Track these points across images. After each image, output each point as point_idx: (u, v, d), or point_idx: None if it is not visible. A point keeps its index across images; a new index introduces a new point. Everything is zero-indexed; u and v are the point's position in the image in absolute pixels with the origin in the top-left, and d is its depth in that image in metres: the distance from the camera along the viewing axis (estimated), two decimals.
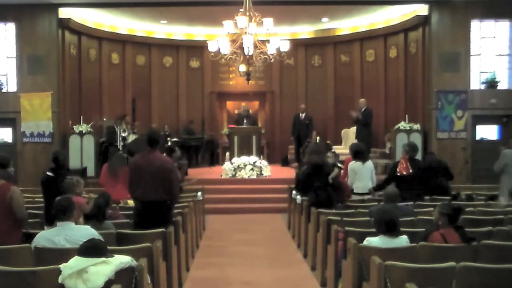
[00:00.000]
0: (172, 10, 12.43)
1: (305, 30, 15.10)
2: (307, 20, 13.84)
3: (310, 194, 6.77)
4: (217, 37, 12.05)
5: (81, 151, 11.62)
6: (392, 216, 4.24)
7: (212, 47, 10.20)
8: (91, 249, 3.46)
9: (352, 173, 7.25)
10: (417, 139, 11.26)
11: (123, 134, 11.30)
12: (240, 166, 11.94)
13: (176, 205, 6.00)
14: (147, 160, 5.22)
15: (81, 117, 12.04)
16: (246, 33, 9.73)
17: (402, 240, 4.23)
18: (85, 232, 4.06)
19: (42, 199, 6.24)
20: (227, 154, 13.35)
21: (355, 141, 11.28)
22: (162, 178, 5.15)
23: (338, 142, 14.07)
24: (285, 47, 10.33)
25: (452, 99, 11.51)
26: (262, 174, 11.96)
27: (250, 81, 11.62)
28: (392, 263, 3.62)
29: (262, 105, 16.22)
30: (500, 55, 11.91)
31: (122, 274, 3.48)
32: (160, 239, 4.59)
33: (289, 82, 15.66)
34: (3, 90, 11.81)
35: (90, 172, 11.38)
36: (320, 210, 6.21)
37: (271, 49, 10.17)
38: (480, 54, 11.85)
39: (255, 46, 9.93)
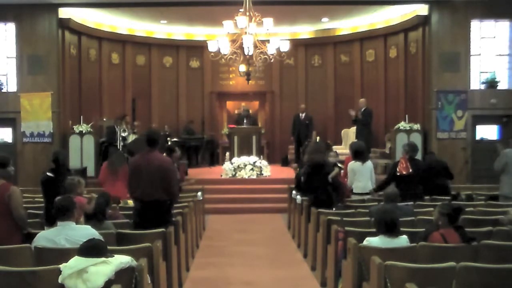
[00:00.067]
0: (172, 10, 12.43)
1: (305, 30, 15.10)
2: (307, 20, 13.84)
3: (309, 194, 6.77)
4: (217, 37, 12.06)
5: (81, 151, 11.62)
6: (392, 216, 4.24)
7: (212, 47, 10.20)
8: (91, 249, 3.46)
9: (352, 173, 7.25)
10: (417, 139, 11.26)
11: (123, 134, 11.30)
12: (240, 166, 11.95)
13: (176, 205, 6.01)
14: (146, 160, 5.22)
15: (81, 117, 12.04)
16: (246, 33, 9.73)
17: (402, 240, 4.23)
18: (86, 232, 4.06)
19: (42, 199, 6.25)
20: (227, 154, 13.36)
21: (355, 140, 11.28)
22: (161, 178, 5.15)
23: (338, 142, 14.08)
24: (285, 47, 10.33)
25: (452, 99, 11.51)
26: (262, 174, 11.97)
27: (250, 81, 11.63)
28: (392, 263, 3.62)
29: (262, 105, 16.22)
30: (500, 55, 11.90)
31: (122, 274, 3.47)
32: (160, 239, 4.59)
33: (289, 82, 15.67)
34: (3, 90, 11.81)
35: (90, 172, 11.37)
36: (320, 210, 6.21)
37: (271, 49, 10.17)
38: (480, 54, 11.85)
39: (255, 46, 9.93)
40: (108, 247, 3.66)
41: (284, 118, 15.12)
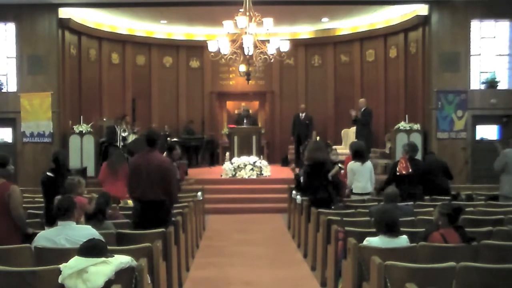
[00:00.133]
0: (172, 10, 12.43)
1: (305, 30, 15.10)
2: (307, 20, 13.84)
3: (309, 193, 6.77)
4: (217, 37, 12.07)
5: (81, 151, 11.61)
6: (392, 216, 4.24)
7: (212, 47, 10.20)
8: (91, 249, 3.46)
9: (351, 173, 7.24)
10: (417, 139, 11.26)
11: (123, 134, 11.31)
12: (240, 166, 11.95)
13: (176, 205, 6.01)
14: (146, 160, 5.22)
15: (81, 117, 12.04)
16: (246, 33, 9.73)
17: (402, 240, 4.23)
18: (86, 232, 4.06)
19: (42, 199, 6.25)
20: (227, 154, 13.36)
21: (355, 140, 11.27)
22: (161, 178, 5.16)
23: (338, 142, 14.07)
24: (285, 47, 10.33)
25: (452, 99, 11.51)
26: (262, 174, 11.97)
27: (250, 81, 11.63)
28: (392, 263, 3.62)
29: (262, 105, 16.22)
30: (500, 55, 11.90)
31: (122, 274, 3.47)
32: (160, 239, 4.60)
33: (289, 82, 15.67)
34: (3, 90, 11.81)
35: (90, 172, 11.37)
36: (320, 210, 6.21)
37: (271, 49, 10.17)
38: (480, 54, 11.85)
39: (255, 46, 9.94)
40: (108, 247, 3.66)
41: (284, 118, 15.12)
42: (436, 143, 11.52)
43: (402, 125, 11.79)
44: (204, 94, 15.70)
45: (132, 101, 14.57)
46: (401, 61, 13.34)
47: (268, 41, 10.26)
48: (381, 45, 14.00)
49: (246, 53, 9.87)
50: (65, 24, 11.99)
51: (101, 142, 11.85)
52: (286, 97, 15.65)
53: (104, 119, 13.04)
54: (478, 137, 11.79)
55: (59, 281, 3.36)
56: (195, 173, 12.57)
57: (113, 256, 3.52)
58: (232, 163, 12.08)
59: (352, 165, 7.24)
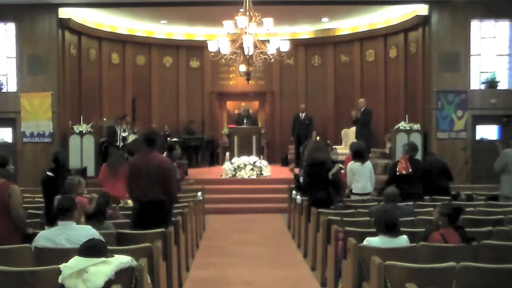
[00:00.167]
0: (172, 10, 12.43)
1: (305, 30, 15.10)
2: (307, 20, 13.84)
3: (309, 193, 6.77)
4: (217, 37, 12.07)
5: (81, 151, 11.61)
6: (392, 216, 4.24)
7: (212, 47, 10.20)
8: (91, 249, 3.46)
9: (351, 173, 7.23)
10: (417, 139, 11.26)
11: (123, 134, 11.31)
12: (240, 166, 11.95)
13: (176, 205, 6.01)
14: (145, 160, 5.22)
15: (81, 117, 12.04)
16: (246, 33, 9.73)
17: (402, 240, 4.23)
18: (86, 232, 4.05)
19: (42, 199, 6.25)
20: (227, 154, 13.36)
21: (355, 140, 11.28)
22: (160, 178, 5.15)
23: (338, 142, 14.07)
24: (285, 47, 10.33)
25: (452, 99, 11.51)
26: (262, 174, 11.97)
27: (250, 81, 11.63)
28: (392, 263, 3.62)
29: (262, 105, 16.22)
30: (500, 55, 11.90)
31: (122, 274, 3.47)
32: (160, 239, 4.59)
33: (289, 82, 15.67)
34: (3, 90, 11.81)
35: (90, 172, 11.37)
36: (320, 210, 6.21)
37: (271, 49, 10.17)
38: (480, 54, 11.85)
39: (255, 46, 9.93)
40: (108, 247, 3.66)
41: (284, 118, 15.12)
42: (436, 143, 11.52)
43: (402, 125, 11.79)
44: (204, 94, 15.70)
45: (132, 101, 14.57)
46: (401, 61, 13.34)
47: (268, 41, 10.26)
48: (381, 45, 14.00)
49: (246, 53, 9.87)
50: (65, 24, 11.99)
51: (101, 142, 11.86)
52: (286, 97, 15.65)
53: (104, 119, 13.04)
54: (478, 137, 11.80)
55: (59, 281, 3.36)
56: (195, 173, 12.57)
57: (113, 256, 3.52)
58: (232, 163, 12.08)
59: (352, 165, 7.24)
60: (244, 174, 11.85)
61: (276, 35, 11.49)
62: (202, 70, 15.63)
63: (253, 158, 12.16)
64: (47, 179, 5.87)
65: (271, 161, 13.85)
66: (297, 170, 7.95)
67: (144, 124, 13.45)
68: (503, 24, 11.87)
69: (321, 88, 15.36)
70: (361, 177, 7.19)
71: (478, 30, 11.83)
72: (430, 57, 11.67)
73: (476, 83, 11.83)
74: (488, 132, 11.86)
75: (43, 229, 4.89)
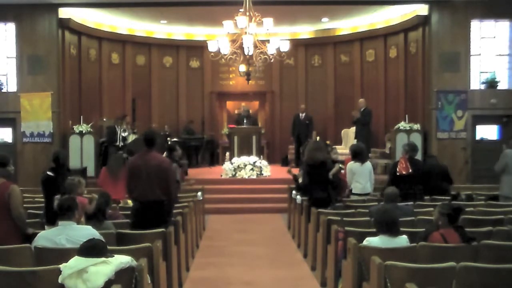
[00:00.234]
0: (172, 10, 12.42)
1: (305, 30, 15.10)
2: (307, 20, 13.84)
3: (309, 194, 6.77)
4: (217, 37, 12.07)
5: (81, 151, 11.62)
6: (392, 215, 4.25)
7: (212, 47, 10.20)
8: (91, 249, 3.46)
9: (350, 174, 7.24)
10: (417, 139, 11.26)
11: (123, 134, 11.31)
12: (240, 166, 11.95)
13: (176, 205, 6.01)
14: (145, 160, 5.22)
15: (81, 117, 12.05)
16: (246, 33, 9.73)
17: (402, 240, 4.23)
18: (86, 232, 4.05)
19: (42, 199, 6.25)
20: (227, 154, 13.36)
21: (355, 141, 11.28)
22: (160, 178, 5.16)
23: (338, 142, 14.07)
24: (285, 47, 10.33)
25: (452, 99, 11.51)
26: (262, 174, 11.97)
27: (250, 81, 11.63)
28: (392, 263, 3.62)
29: (262, 105, 16.22)
30: (500, 55, 11.90)
31: (122, 274, 3.48)
32: (160, 239, 4.60)
33: (289, 82, 15.66)
34: (3, 90, 11.80)
35: (90, 172, 11.38)
36: (320, 210, 6.21)
37: (271, 49, 10.17)
38: (480, 54, 11.85)
39: (255, 46, 9.93)
40: (108, 247, 3.66)
41: (284, 118, 15.12)
42: (436, 143, 11.52)
43: (402, 125, 11.79)
44: (204, 94, 15.70)
45: (132, 101, 14.57)
46: (401, 61, 13.34)
47: (268, 41, 10.26)
48: (381, 45, 14.00)
49: (246, 53, 9.87)
50: (65, 24, 11.99)
51: (101, 142, 11.87)
52: (286, 97, 15.65)
53: (104, 119, 13.03)
54: (478, 137, 11.79)
55: (59, 281, 3.36)
56: (195, 173, 12.57)
57: (113, 256, 3.52)
58: (232, 163, 12.08)
59: (352, 165, 7.24)
60: (244, 174, 11.85)
61: (276, 35, 11.48)
62: (202, 70, 15.62)
63: (253, 158, 12.16)
64: (47, 179, 5.87)
65: (271, 161, 13.85)
66: (295, 171, 7.92)
67: (144, 124, 13.46)
68: (503, 24, 11.86)
69: (321, 88, 15.35)
70: (361, 177, 7.19)
71: (478, 30, 11.83)
72: (430, 57, 11.67)
73: (476, 83, 11.82)
74: (488, 132, 11.86)
75: (43, 229, 4.90)
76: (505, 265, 3.49)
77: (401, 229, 4.35)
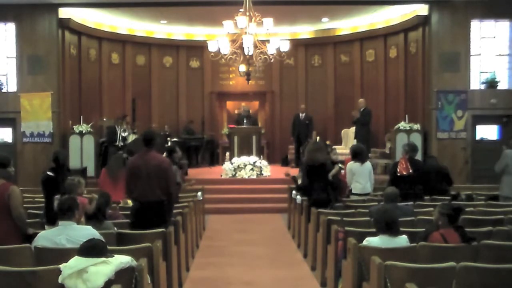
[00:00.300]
0: (172, 10, 12.43)
1: (305, 30, 15.10)
2: (307, 20, 13.84)
3: (309, 195, 6.77)
4: (217, 37, 12.07)
5: (81, 151, 11.62)
6: (392, 215, 4.25)
7: (212, 47, 10.20)
8: (91, 249, 3.46)
9: (350, 174, 7.24)
10: (417, 139, 11.26)
11: (123, 134, 11.31)
12: (240, 166, 11.94)
13: (176, 205, 6.01)
14: (144, 160, 5.22)
15: (81, 117, 12.05)
16: (246, 33, 9.73)
17: (402, 240, 4.23)
18: (87, 232, 4.05)
19: (42, 199, 6.25)
20: (227, 154, 13.36)
21: (355, 141, 11.28)
22: (159, 178, 5.15)
23: (338, 142, 14.07)
24: (285, 47, 10.33)
25: (452, 99, 11.51)
26: (262, 174, 11.97)
27: (250, 81, 11.63)
28: (392, 263, 3.62)
29: (262, 105, 16.22)
30: (500, 55, 11.90)
31: (122, 274, 3.48)
32: (160, 239, 4.60)
33: (289, 82, 15.66)
34: (3, 90, 11.80)
35: (90, 172, 11.38)
36: (320, 210, 6.21)
37: (271, 49, 10.17)
38: (480, 54, 11.85)
39: (255, 46, 9.93)
40: (108, 247, 3.66)
41: (284, 118, 15.12)
42: (436, 143, 11.52)
43: (402, 125, 11.79)
44: (204, 94, 15.70)
45: (132, 101, 14.57)
46: (401, 61, 13.34)
47: (268, 41, 10.26)
48: (381, 45, 14.00)
49: (246, 53, 9.87)
50: (65, 24, 11.99)
51: (101, 142, 11.87)
52: (286, 97, 15.65)
53: (104, 119, 13.04)
54: (478, 137, 11.79)
55: (59, 281, 3.36)
56: (195, 173, 12.57)
57: (113, 256, 3.52)
58: (232, 163, 12.08)
59: (352, 165, 7.24)
60: (244, 174, 11.85)
61: (276, 35, 11.49)
62: (202, 70, 15.63)
63: (253, 158, 12.16)
64: (47, 179, 5.88)
65: (271, 161, 13.84)
66: (293, 172, 7.92)
67: (144, 124, 13.46)
68: (503, 24, 11.86)
69: (321, 88, 15.35)
70: (361, 177, 7.19)
71: (478, 30, 11.83)
72: (430, 57, 11.67)
73: (476, 83, 11.82)
74: (488, 132, 11.86)
75: (43, 229, 4.90)
76: (505, 265, 3.49)
77: (401, 229, 4.36)
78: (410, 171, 6.88)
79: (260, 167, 12.00)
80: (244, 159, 12.10)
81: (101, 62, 13.98)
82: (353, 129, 12.74)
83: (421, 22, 12.02)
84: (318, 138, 13.01)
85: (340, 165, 7.57)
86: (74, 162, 11.25)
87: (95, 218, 4.90)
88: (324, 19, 13.80)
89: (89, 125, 11.87)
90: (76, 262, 3.39)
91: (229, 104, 16.36)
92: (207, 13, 12.39)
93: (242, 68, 11.50)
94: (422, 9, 11.91)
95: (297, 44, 14.64)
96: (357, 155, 7.25)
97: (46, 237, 4.07)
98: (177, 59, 15.52)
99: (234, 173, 11.89)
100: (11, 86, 11.83)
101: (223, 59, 10.31)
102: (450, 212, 4.21)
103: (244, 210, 10.39)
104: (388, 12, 12.90)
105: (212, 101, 15.77)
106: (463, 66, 11.60)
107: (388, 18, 13.33)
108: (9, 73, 11.87)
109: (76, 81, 12.92)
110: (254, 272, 6.33)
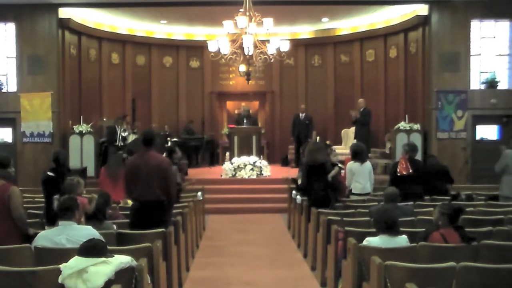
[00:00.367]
0: (172, 10, 12.43)
1: (305, 30, 15.10)
2: (307, 20, 13.84)
3: (308, 195, 6.77)
4: (217, 37, 12.07)
5: (81, 151, 11.62)
6: (392, 215, 4.25)
7: (212, 47, 10.20)
8: (91, 249, 3.46)
9: (350, 174, 7.23)
10: (417, 139, 11.26)
11: (123, 134, 11.31)
12: (240, 166, 11.95)
13: (176, 205, 6.01)
14: (144, 160, 5.22)
15: (81, 117, 12.05)
16: (246, 33, 9.73)
17: (402, 240, 4.23)
18: (87, 232, 4.05)
19: (42, 199, 6.26)
20: (227, 154, 13.36)
21: (355, 141, 11.28)
22: (159, 178, 5.15)
23: (338, 142, 14.07)
24: (285, 47, 10.33)
25: (452, 99, 11.51)
26: (262, 174, 11.97)
27: (250, 81, 11.63)
28: (392, 263, 3.62)
29: (262, 105, 16.22)
30: (500, 55, 11.90)
31: (122, 274, 3.48)
32: (160, 239, 4.59)
33: (289, 82, 15.67)
34: (3, 90, 11.80)
35: (90, 172, 11.39)
36: (320, 210, 6.21)
37: (271, 49, 10.17)
38: (480, 54, 11.85)
39: (255, 46, 9.93)
40: (108, 247, 3.66)
41: (284, 118, 15.12)
42: (436, 143, 11.52)
43: (402, 125, 11.79)
44: (204, 94, 15.70)
45: (132, 101, 14.58)
46: (401, 61, 13.34)
47: (268, 41, 10.26)
48: (381, 45, 14.00)
49: (246, 53, 9.87)
50: (65, 24, 11.99)
51: (101, 142, 11.87)
52: (286, 97, 15.65)
53: (104, 119, 13.04)
54: (478, 137, 11.79)
55: (59, 281, 3.36)
56: (195, 173, 12.57)
57: (113, 256, 3.52)
58: (232, 163, 12.08)
59: (351, 165, 7.24)
60: (244, 174, 11.85)
61: (276, 35, 11.49)
62: (202, 70, 15.63)
63: (253, 158, 12.16)
64: (48, 179, 5.88)
65: (271, 161, 13.85)
66: (293, 172, 7.93)
67: (144, 124, 13.46)
68: (503, 24, 11.86)
69: (321, 88, 15.35)
70: (361, 177, 7.19)
71: (478, 30, 11.83)
72: (430, 57, 11.67)
73: (476, 83, 11.82)
74: (488, 132, 11.86)
75: (43, 229, 4.90)
76: (505, 265, 3.49)
77: (401, 229, 4.36)
78: (410, 171, 6.88)
79: (260, 167, 12.00)
80: (244, 159, 12.10)
81: (101, 62, 13.98)
82: (353, 129, 12.74)
83: (421, 22, 12.02)
84: (318, 138, 13.02)
85: (340, 165, 7.56)
86: (74, 162, 11.25)
87: (95, 218, 4.90)
88: (324, 19, 13.80)
89: (89, 125, 11.87)
90: (76, 262, 3.39)
91: (229, 104, 16.37)
92: (207, 13, 12.39)
93: (242, 68, 11.50)
94: (422, 9, 11.92)
95: (297, 44, 14.64)
96: (357, 155, 7.24)
97: (46, 237, 4.07)
98: (177, 59, 15.52)
99: (234, 173, 11.89)
100: (11, 86, 11.84)
101: (223, 59, 10.32)
102: (450, 212, 4.21)
103: (244, 210, 10.39)
104: (388, 12, 12.90)
105: (212, 101, 15.77)
106: (463, 66, 11.60)
107: (388, 18, 13.33)
108: (9, 73, 11.87)
109: (76, 81, 12.92)
110: (254, 272, 6.33)
